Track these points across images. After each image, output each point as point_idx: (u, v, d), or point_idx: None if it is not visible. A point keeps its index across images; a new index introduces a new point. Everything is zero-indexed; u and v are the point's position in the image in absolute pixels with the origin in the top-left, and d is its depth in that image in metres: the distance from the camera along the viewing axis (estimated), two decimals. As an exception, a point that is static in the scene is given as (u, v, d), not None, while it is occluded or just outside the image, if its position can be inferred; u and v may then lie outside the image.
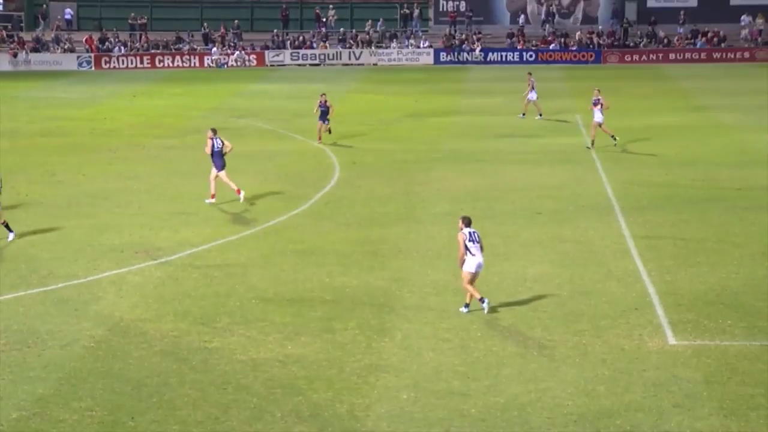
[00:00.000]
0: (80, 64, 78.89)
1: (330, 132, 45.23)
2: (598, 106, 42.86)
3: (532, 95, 52.18)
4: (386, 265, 26.27)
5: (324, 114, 44.81)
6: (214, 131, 34.27)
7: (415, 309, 22.94)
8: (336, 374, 19.16)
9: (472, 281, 22.45)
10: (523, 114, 52.24)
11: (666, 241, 28.52)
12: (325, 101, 44.86)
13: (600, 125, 42.93)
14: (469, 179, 37.35)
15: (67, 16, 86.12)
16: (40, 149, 43.44)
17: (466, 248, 22.29)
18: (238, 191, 33.84)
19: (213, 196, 33.82)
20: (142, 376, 19.09)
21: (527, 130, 46.45)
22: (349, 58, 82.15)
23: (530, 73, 54.52)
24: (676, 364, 19.52)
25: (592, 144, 42.91)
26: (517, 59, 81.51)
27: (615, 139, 43.06)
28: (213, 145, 33.75)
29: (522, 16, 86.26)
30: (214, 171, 33.93)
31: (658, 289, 24.08)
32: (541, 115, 52.02)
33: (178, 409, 17.67)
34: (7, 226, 29.07)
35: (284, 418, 17.33)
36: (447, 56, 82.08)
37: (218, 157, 33.85)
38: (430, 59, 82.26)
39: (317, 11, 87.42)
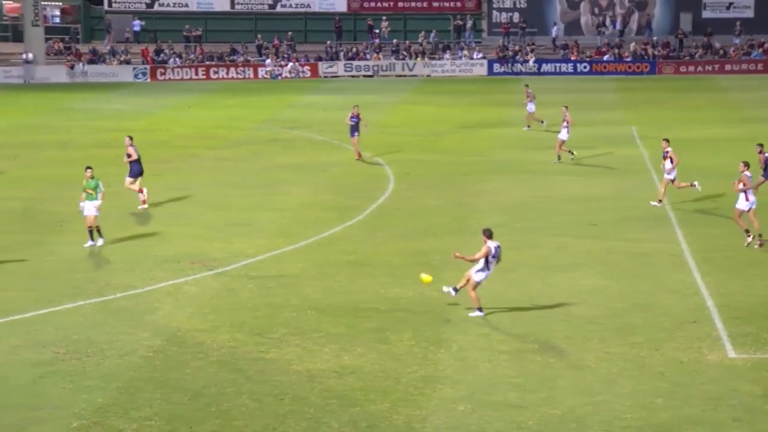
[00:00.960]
0: (136, 76, 79.46)
1: (359, 156, 44.06)
2: (564, 123, 43.00)
3: (531, 107, 52.30)
4: (440, 276, 26.19)
5: (355, 127, 43.81)
6: (131, 138, 35.12)
7: (470, 320, 22.93)
8: (392, 385, 19.18)
9: (475, 288, 23.21)
10: (529, 126, 52.19)
11: (722, 253, 28.32)
12: (358, 113, 44.05)
13: (562, 142, 43.01)
14: (521, 190, 37.30)
15: (136, 28, 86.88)
16: (95, 160, 43.57)
17: (486, 261, 23.08)
18: (144, 202, 34.54)
19: (144, 203, 34.57)
20: (199, 386, 19.20)
21: (580, 141, 46.21)
22: (403, 70, 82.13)
23: (527, 85, 54.59)
24: (736, 378, 19.36)
25: (559, 159, 43.06)
26: (571, 70, 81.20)
27: (573, 153, 43.11)
28: (135, 152, 34.65)
29: (555, 27, 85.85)
30: (131, 178, 34.58)
31: (717, 302, 23.89)
32: (529, 126, 52.21)
33: (236, 419, 17.75)
34: (91, 234, 29.42)
35: (341, 429, 17.36)
36: (500, 67, 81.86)
37: (137, 164, 34.62)
38: (483, 70, 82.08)
39: (370, 22, 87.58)
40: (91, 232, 29.49)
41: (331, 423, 17.56)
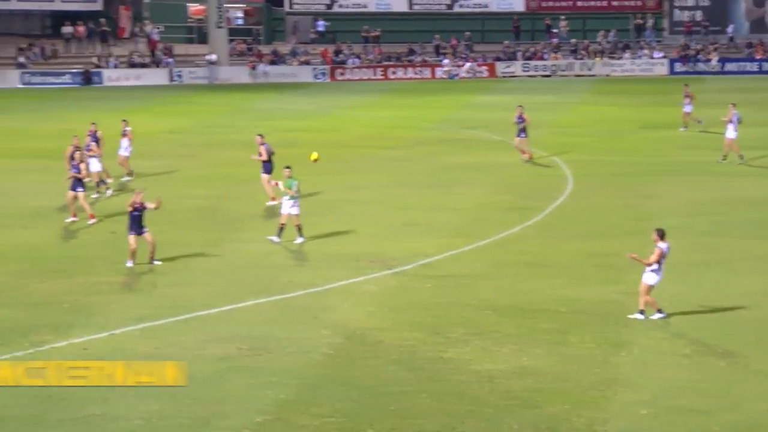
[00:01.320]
0: (316, 76, 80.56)
1: (531, 158, 43.25)
2: (730, 121, 41.84)
3: (688, 108, 51.09)
4: (621, 278, 25.89)
5: (521, 128, 42.98)
6: (262, 136, 35.93)
7: (652, 323, 22.60)
8: (572, 387, 19.03)
9: (649, 292, 22.80)
10: (685, 127, 51.08)
11: None
12: (521, 114, 43.16)
13: (731, 141, 41.83)
14: (700, 192, 36.64)
15: (320, 28, 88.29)
16: (276, 160, 44.35)
17: (659, 263, 22.69)
18: (273, 199, 34.69)
19: (273, 199, 34.71)
20: (378, 384, 19.35)
21: (761, 141, 45.16)
22: (581, 69, 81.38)
23: (687, 85, 53.26)
24: None
25: (741, 158, 42.04)
26: (756, 69, 79.29)
27: (742, 158, 42.06)
28: (266, 150, 35.42)
29: (732, 26, 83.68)
30: (267, 175, 35.26)
31: None
32: (685, 127, 51.19)
33: (415, 417, 17.84)
34: (280, 231, 29.95)
35: (521, 430, 17.30)
36: (682, 67, 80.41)
37: (269, 162, 35.23)
38: (664, 70, 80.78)
39: (548, 22, 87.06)
40: (281, 229, 29.94)
41: (512, 424, 17.50)
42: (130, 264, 27.57)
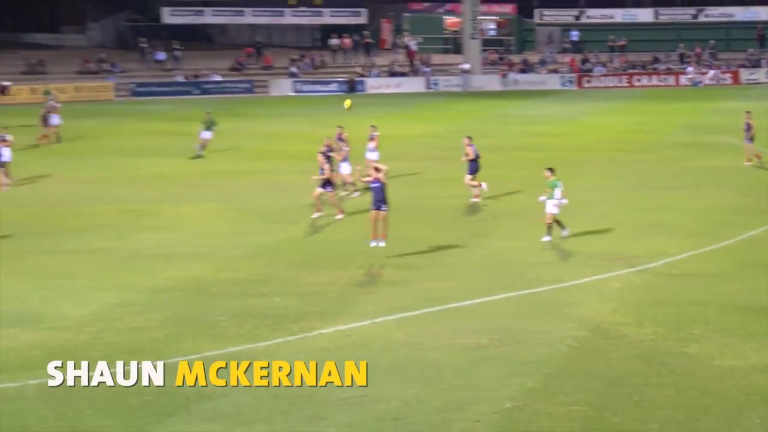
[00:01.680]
0: (563, 84, 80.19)
1: (759, 157, 41.97)
2: None
3: None
4: None
5: (748, 134, 41.87)
6: (470, 138, 35.83)
7: None
8: (815, 385, 18.38)
9: None
10: None
11: None
12: (748, 121, 41.82)
13: None
14: None
15: (574, 38, 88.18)
16: (523, 162, 44.38)
17: None
18: (480, 184, 35.38)
19: (477, 197, 35.59)
20: (622, 376, 19.12)
21: None
22: (829, 75, 78.34)
23: None
24: None
25: None
26: None
27: None
28: (473, 152, 35.46)
29: None
30: (469, 175, 35.52)
31: None
32: None
33: (658, 409, 17.56)
34: (549, 229, 29.94)
35: (763, 424, 16.82)
36: None
37: (474, 162, 35.32)
38: None
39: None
40: (549, 227, 29.88)
41: (754, 419, 17.03)
42: (373, 243, 28.24)
